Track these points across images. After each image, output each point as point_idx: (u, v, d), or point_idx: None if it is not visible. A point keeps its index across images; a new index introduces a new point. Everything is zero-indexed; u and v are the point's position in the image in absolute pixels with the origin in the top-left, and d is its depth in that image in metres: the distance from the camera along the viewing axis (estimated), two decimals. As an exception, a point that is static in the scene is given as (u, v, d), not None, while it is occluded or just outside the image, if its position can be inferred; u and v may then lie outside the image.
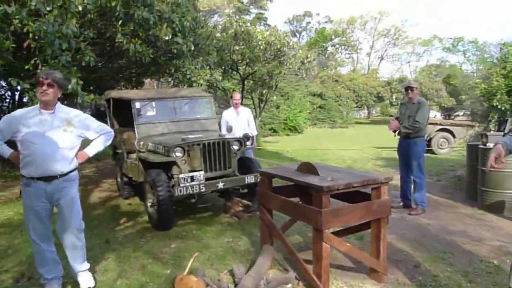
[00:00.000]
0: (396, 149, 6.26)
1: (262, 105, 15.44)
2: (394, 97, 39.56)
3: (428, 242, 4.54)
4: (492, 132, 5.90)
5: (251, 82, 13.71)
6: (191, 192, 5.02)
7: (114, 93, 6.76)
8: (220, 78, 8.99)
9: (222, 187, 5.26)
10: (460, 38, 44.19)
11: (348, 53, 56.82)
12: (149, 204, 5.44)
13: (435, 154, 12.49)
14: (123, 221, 5.76)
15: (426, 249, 4.33)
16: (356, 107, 40.22)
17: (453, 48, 44.80)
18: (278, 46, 11.24)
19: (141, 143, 5.96)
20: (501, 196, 5.65)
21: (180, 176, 5.05)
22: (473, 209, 5.90)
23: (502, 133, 5.89)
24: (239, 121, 7.23)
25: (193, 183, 5.08)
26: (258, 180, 5.46)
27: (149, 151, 5.72)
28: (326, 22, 57.06)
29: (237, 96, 7.62)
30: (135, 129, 6.10)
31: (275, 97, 19.66)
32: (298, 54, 12.08)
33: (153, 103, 6.44)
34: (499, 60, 6.97)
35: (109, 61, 9.81)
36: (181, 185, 5.01)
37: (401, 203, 6.05)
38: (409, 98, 5.80)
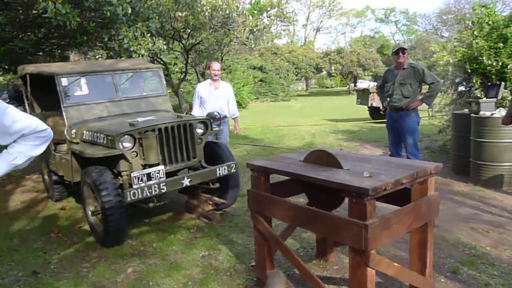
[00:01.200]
0: (359, 123, 5.44)
1: (202, 79, 14.09)
2: (333, 68, 39.59)
3: (447, 234, 3.76)
4: (484, 99, 5.21)
5: (194, 54, 12.30)
6: (147, 194, 3.79)
7: (32, 68, 5.20)
8: (165, 47, 7.56)
9: (188, 183, 4.09)
10: (392, 8, 45.17)
11: (284, 25, 56.10)
12: (90, 213, 4.14)
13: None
14: (56, 235, 4.40)
15: (451, 245, 3.54)
16: (297, 79, 39.89)
17: (386, 19, 45.73)
18: (227, 12, 9.94)
19: (73, 131, 4.56)
20: (498, 170, 5.06)
21: (133, 174, 3.78)
22: (468, 185, 5.28)
23: (494, 99, 5.26)
24: (217, 98, 5.80)
25: (151, 182, 3.85)
26: (233, 171, 4.38)
27: (85, 141, 4.36)
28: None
29: (216, 65, 5.86)
30: (63, 113, 4.66)
31: (219, 71, 18.33)
32: (248, 20, 10.86)
33: (86, 78, 4.99)
34: (474, 23, 6.33)
35: (22, 30, 7.96)
36: (135, 186, 3.76)
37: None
38: (399, 63, 4.94)
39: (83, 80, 5.01)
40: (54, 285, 3.30)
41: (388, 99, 5.14)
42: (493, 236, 3.64)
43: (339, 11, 51.93)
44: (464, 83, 6.38)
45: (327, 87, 54.03)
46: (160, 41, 7.54)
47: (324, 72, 46.70)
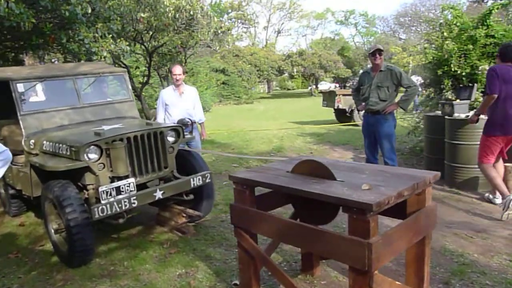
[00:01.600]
0: (325, 125, 5.37)
1: (165, 83, 13.66)
2: (295, 70, 39.97)
3: (431, 241, 3.70)
4: (457, 100, 5.26)
5: (157, 57, 11.86)
6: (117, 210, 3.48)
7: (-19, 72, 4.71)
8: (128, 48, 7.17)
9: (161, 196, 3.81)
10: (352, 11, 46.25)
11: (245, 27, 56.12)
12: (53, 231, 3.77)
13: (358, 126, 12.20)
14: (15, 256, 3.99)
15: (438, 252, 3.48)
16: (259, 82, 39.96)
17: (345, 21, 46.74)
18: (191, 13, 9.64)
19: (32, 141, 4.15)
20: (473, 172, 5.11)
21: (101, 189, 3.45)
22: (444, 187, 5.30)
23: (467, 101, 5.32)
24: (183, 104, 5.42)
25: (121, 196, 3.54)
26: (207, 181, 4.15)
27: (45, 153, 3.97)
28: (219, -6, 55.31)
29: (177, 69, 5.40)
30: (20, 122, 4.24)
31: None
32: (213, 22, 10.59)
33: (44, 83, 4.57)
34: (442, 24, 6.43)
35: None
36: (103, 201, 3.44)
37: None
38: (375, 65, 4.89)
39: (41, 86, 4.59)
40: (13, 316, 2.93)
41: (363, 102, 5.09)
42: (478, 242, 3.61)
43: (299, 13, 52.58)
44: (433, 85, 6.45)
45: (288, 89, 54.52)
46: (123, 42, 7.16)
47: (286, 74, 47.10)
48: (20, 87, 4.28)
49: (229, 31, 12.16)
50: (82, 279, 3.41)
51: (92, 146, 3.59)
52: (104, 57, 6.50)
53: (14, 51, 9.24)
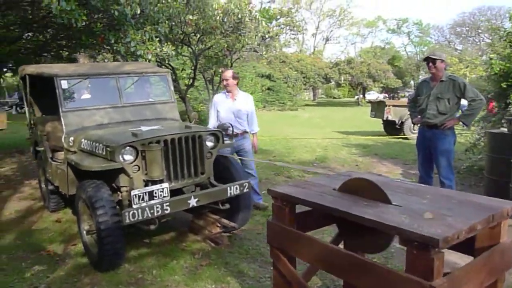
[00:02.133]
0: (373, 137, 4.93)
1: (213, 86, 13.64)
2: (342, 78, 39.16)
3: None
4: (523, 117, 4.70)
5: (204, 59, 11.85)
6: (149, 216, 3.31)
7: (32, 69, 4.77)
8: (174, 53, 7.13)
9: (195, 204, 3.60)
10: (405, 19, 44.70)
11: (294, 34, 55.86)
12: (85, 231, 3.66)
13: (409, 139, 11.55)
14: (48, 253, 3.93)
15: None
16: (305, 89, 39.50)
17: (398, 30, 45.27)
18: (239, 16, 9.51)
19: (71, 138, 4.10)
20: (542, 199, 4.52)
21: (133, 192, 3.30)
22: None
23: (536, 118, 4.75)
24: (235, 111, 4.99)
25: (153, 202, 3.36)
26: (245, 190, 3.90)
27: (83, 151, 3.90)
28: (269, 1, 55.57)
29: (227, 73, 5.04)
30: (61, 119, 4.21)
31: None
32: (261, 27, 10.42)
33: (88, 81, 4.54)
34: (510, 34, 5.83)
35: (29, 30, 7.58)
36: (135, 205, 3.28)
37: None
38: (432, 74, 4.45)
39: (84, 84, 4.55)
40: (35, 321, 2.81)
41: (420, 114, 4.66)
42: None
43: (349, 20, 51.60)
44: (498, 99, 5.86)
45: (334, 98, 53.55)
46: (169, 46, 7.11)
47: (333, 83, 46.26)
48: (64, 83, 4.26)
49: (277, 36, 11.95)
50: (108, 285, 3.27)
51: (128, 147, 3.45)
52: (149, 60, 6.47)
53: (68, 50, 9.53)
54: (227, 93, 5.05)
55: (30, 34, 7.61)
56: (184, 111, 12.85)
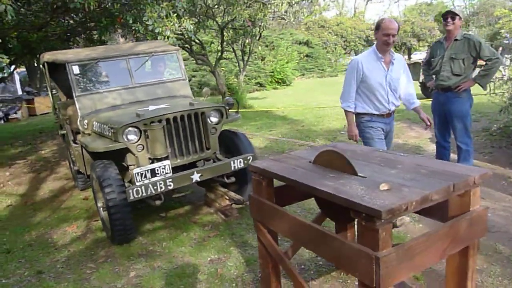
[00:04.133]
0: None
1: (246, 57, 13.58)
2: (384, 40, 37.43)
3: (500, 244, 3.13)
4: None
5: (231, 31, 11.79)
6: (152, 192, 3.48)
7: (48, 56, 5.01)
8: (192, 27, 7.14)
9: (198, 179, 3.73)
10: (451, -28, 41.42)
11: (333, -4, 53.70)
12: (100, 208, 3.92)
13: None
14: (72, 230, 4.25)
15: (505, 258, 2.92)
16: (345, 53, 38.23)
17: (444, -17, 42.04)
18: (261, -16, 9.34)
19: (85, 121, 4.33)
20: None
21: (135, 171, 3.47)
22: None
23: None
24: (392, 82, 3.50)
25: (156, 178, 3.52)
26: (250, 163, 3.94)
27: (96, 133, 4.11)
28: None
29: (392, 24, 3.37)
30: (76, 103, 4.44)
31: (259, 48, 17.67)
32: (285, -7, 10.18)
33: (99, 64, 4.71)
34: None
35: (54, 15, 7.87)
36: (137, 183, 3.45)
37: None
38: (448, 32, 4.18)
39: (97, 67, 4.73)
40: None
41: (434, 77, 4.44)
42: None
43: (392, -22, 48.62)
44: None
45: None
46: (188, 21, 7.13)
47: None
48: (76, 69, 4.46)
49: (304, 1, 11.59)
50: (121, 257, 3.51)
51: (131, 128, 3.60)
52: (168, 37, 6.53)
53: (97, 32, 9.79)
54: (378, 55, 3.42)
55: (53, 21, 7.89)
56: (215, 85, 12.98)
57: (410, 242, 1.72)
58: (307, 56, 31.02)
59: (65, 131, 5.14)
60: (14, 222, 4.67)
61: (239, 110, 4.72)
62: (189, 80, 17.42)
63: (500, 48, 11.57)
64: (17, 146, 9.14)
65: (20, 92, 15.78)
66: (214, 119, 4.03)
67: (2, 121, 13.69)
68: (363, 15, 49.71)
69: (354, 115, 3.61)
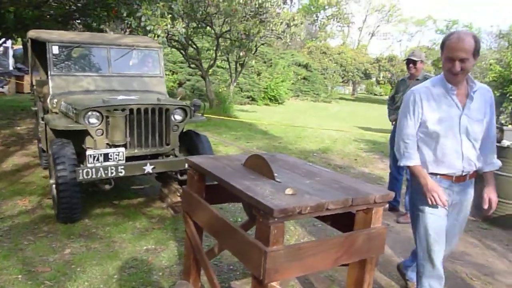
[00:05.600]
0: (379, 131, 4.91)
1: (239, 69, 13.83)
2: (381, 75, 38.17)
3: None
4: (510, 126, 4.56)
5: (228, 41, 12.05)
6: (102, 175, 3.59)
7: (33, 33, 5.13)
8: (183, 30, 7.35)
9: (150, 171, 3.85)
10: (455, 21, 42.76)
11: (340, 26, 54.81)
12: (53, 185, 4.00)
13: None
14: (23, 204, 4.31)
15: None
16: (342, 82, 38.85)
17: (447, 31, 43.34)
18: (260, 1, 9.60)
19: (55, 101, 4.44)
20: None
21: (88, 152, 3.58)
22: (476, 220, 4.67)
23: (522, 128, 4.58)
24: (469, 127, 2.30)
25: (107, 163, 3.64)
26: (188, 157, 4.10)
27: (62, 112, 4.22)
28: (319, -10, 54.47)
29: (465, 44, 2.14)
30: (49, 82, 4.55)
31: (254, 62, 17.95)
32: (283, 13, 10.46)
33: (81, 49, 4.85)
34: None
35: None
36: (89, 164, 3.56)
37: (386, 205, 4.78)
38: (411, 74, 4.44)
39: (78, 51, 4.87)
40: (-15, 254, 3.17)
41: (395, 112, 4.64)
42: (476, 286, 3.12)
43: (398, 17, 49.97)
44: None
45: (375, 94, 52.28)
46: (180, 24, 7.34)
47: (373, 79, 45.19)
48: (55, 49, 4.59)
49: (302, 25, 11.91)
50: (62, 234, 3.59)
51: (92, 112, 3.72)
52: (158, 36, 6.71)
53: (95, 20, 9.93)
54: (448, 85, 2.28)
55: (56, 2, 8.05)
56: (205, 91, 13.16)
57: (302, 243, 1.87)
58: (304, 78, 31.46)
59: (36, 108, 5.23)
60: (-31, 188, 4.72)
61: (224, 117, 4.89)
62: (183, 84, 17.65)
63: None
64: (-5, 119, 9.16)
65: (11, 68, 15.78)
66: (178, 117, 4.17)
67: (-12, 94, 13.68)
68: (365, 48, 50.77)
69: (421, 167, 2.37)
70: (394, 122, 4.72)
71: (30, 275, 2.87)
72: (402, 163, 2.42)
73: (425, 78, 4.29)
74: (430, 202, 2.32)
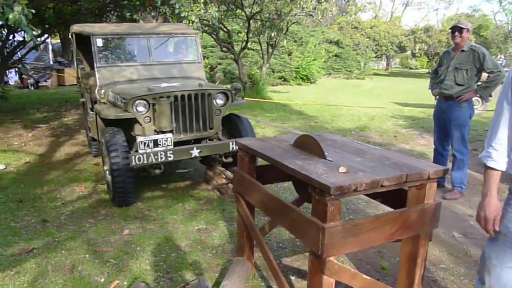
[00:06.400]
0: (428, 109, 4.82)
1: (271, 50, 13.76)
2: (417, 47, 36.80)
3: (475, 249, 3.27)
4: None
5: (258, 22, 11.99)
6: (153, 161, 3.76)
7: (76, 27, 5.34)
8: (217, 14, 7.39)
9: (197, 154, 3.99)
10: (496, -16, 40.18)
11: (371, -2, 53.03)
12: (106, 171, 4.23)
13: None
14: (80, 190, 4.59)
15: (473, 261, 3.07)
16: (376, 57, 37.79)
17: (487, -4, 40.95)
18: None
19: (102, 91, 4.64)
20: None
21: (139, 139, 3.76)
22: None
23: None
24: None
25: (157, 149, 3.80)
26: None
27: (110, 102, 4.42)
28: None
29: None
30: (96, 73, 4.75)
31: (286, 42, 17.76)
32: (314, -10, 10.29)
33: (122, 40, 5.01)
34: None
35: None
36: (140, 151, 3.74)
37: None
38: (456, 44, 4.29)
39: (120, 42, 5.03)
40: (55, 235, 3.42)
41: (439, 85, 4.54)
42: None
43: (433, -15, 47.63)
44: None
45: (411, 68, 50.58)
46: (213, 8, 7.38)
47: (409, 52, 43.66)
48: (99, 41, 4.77)
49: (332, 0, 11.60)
50: (119, 217, 3.81)
51: (140, 100, 3.88)
52: (192, 22, 6.79)
53: (129, 11, 10.13)
54: None
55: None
56: (238, 74, 13.21)
57: (358, 220, 1.92)
58: (336, 56, 30.84)
59: (84, 99, 5.48)
60: (30, 177, 5.04)
61: (258, 99, 4.97)
62: (215, 67, 17.76)
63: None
64: (43, 112, 9.64)
65: (51, 62, 16.41)
66: (219, 101, 4.27)
67: (33, 88, 14.33)
68: (399, 20, 48.90)
69: (498, 178, 1.83)
70: (437, 97, 4.62)
71: (96, 254, 3.09)
72: (481, 155, 1.87)
73: (472, 50, 4.17)
74: (483, 225, 1.84)
